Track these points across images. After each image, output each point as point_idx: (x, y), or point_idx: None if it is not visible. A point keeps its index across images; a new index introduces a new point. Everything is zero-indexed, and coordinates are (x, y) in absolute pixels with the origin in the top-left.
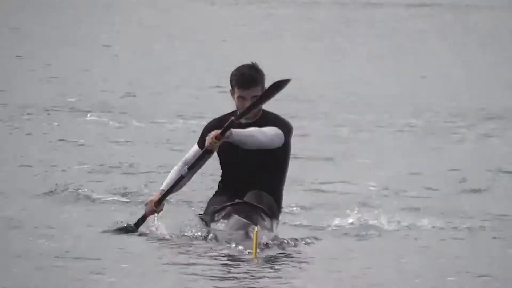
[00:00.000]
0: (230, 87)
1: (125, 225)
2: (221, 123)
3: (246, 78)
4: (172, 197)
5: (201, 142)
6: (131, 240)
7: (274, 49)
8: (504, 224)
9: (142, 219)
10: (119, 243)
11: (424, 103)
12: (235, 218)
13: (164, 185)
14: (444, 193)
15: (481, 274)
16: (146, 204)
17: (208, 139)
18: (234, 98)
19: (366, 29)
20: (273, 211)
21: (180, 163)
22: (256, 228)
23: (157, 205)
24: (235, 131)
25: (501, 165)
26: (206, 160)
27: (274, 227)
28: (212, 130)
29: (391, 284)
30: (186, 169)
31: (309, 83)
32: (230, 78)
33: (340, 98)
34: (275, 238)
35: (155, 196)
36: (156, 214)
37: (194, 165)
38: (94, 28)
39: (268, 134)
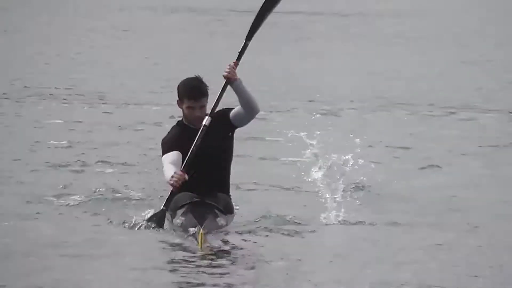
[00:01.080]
0: (177, 98)
1: (156, 212)
2: (181, 133)
3: (196, 90)
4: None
5: (167, 150)
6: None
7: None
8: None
9: (171, 196)
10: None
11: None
12: (189, 216)
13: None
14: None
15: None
16: (172, 177)
17: (228, 66)
18: (182, 108)
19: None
20: (228, 208)
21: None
22: (201, 229)
23: (183, 172)
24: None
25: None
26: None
27: (228, 221)
28: (172, 141)
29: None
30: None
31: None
32: (178, 90)
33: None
34: (221, 231)
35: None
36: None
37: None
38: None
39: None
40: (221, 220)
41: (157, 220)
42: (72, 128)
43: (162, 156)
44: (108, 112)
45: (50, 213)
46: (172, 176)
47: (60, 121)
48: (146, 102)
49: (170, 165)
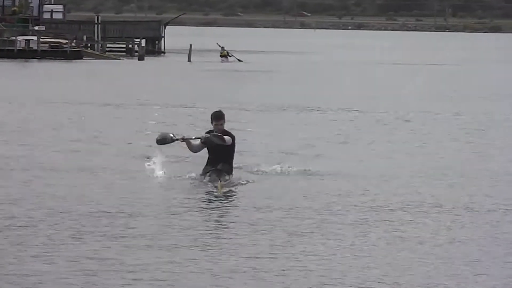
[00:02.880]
0: (210, 120)
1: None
2: (209, 132)
3: (219, 116)
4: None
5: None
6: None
7: None
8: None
9: (177, 140)
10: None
11: None
12: (213, 176)
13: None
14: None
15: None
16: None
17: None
18: (212, 125)
19: None
20: (229, 172)
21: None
22: (220, 181)
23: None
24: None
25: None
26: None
27: (229, 178)
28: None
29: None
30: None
31: None
32: (210, 117)
33: None
34: (230, 183)
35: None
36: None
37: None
38: None
39: (227, 139)
40: (226, 177)
41: (162, 138)
42: None
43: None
44: None
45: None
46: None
47: None
48: None
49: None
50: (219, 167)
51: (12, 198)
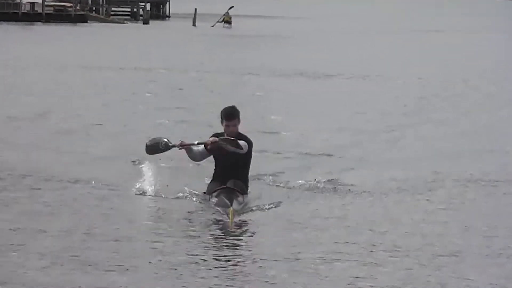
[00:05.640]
0: (220, 119)
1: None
2: (217, 135)
3: (231, 114)
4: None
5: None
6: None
7: None
8: None
9: (173, 147)
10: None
11: None
12: (221, 197)
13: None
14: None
15: None
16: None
17: (209, 140)
18: (222, 125)
19: None
20: (244, 190)
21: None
22: (230, 208)
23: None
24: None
25: None
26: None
27: (244, 199)
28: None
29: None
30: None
31: None
32: (220, 115)
33: None
34: (245, 207)
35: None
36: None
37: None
38: None
39: (242, 144)
40: (240, 199)
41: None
42: None
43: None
44: None
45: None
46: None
47: None
48: None
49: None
50: (229, 184)
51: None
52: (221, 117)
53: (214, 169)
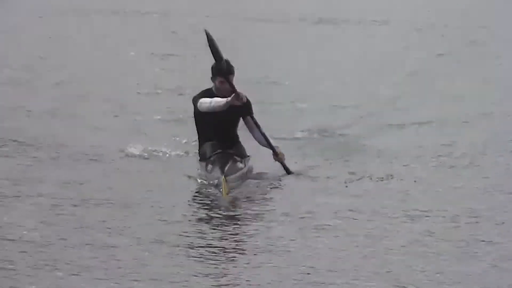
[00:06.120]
0: (211, 75)
1: None
2: (207, 93)
3: (227, 70)
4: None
5: (201, 97)
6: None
7: None
8: None
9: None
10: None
11: None
12: (216, 167)
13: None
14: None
15: None
16: (233, 97)
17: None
18: (214, 82)
19: None
20: (243, 153)
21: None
22: (223, 177)
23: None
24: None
25: None
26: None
27: (245, 163)
28: (202, 97)
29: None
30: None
31: None
32: (211, 70)
33: None
34: (240, 177)
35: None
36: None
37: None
38: None
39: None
40: (240, 164)
41: None
42: None
43: (198, 103)
44: None
45: None
46: (232, 97)
47: None
48: None
49: (214, 98)
50: (230, 150)
51: None
52: (213, 73)
53: (203, 130)
